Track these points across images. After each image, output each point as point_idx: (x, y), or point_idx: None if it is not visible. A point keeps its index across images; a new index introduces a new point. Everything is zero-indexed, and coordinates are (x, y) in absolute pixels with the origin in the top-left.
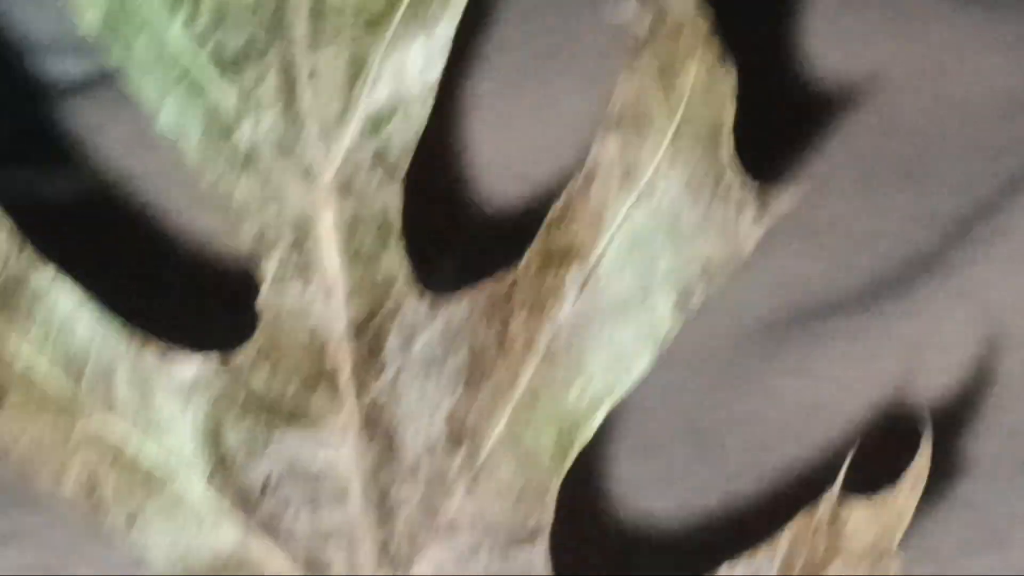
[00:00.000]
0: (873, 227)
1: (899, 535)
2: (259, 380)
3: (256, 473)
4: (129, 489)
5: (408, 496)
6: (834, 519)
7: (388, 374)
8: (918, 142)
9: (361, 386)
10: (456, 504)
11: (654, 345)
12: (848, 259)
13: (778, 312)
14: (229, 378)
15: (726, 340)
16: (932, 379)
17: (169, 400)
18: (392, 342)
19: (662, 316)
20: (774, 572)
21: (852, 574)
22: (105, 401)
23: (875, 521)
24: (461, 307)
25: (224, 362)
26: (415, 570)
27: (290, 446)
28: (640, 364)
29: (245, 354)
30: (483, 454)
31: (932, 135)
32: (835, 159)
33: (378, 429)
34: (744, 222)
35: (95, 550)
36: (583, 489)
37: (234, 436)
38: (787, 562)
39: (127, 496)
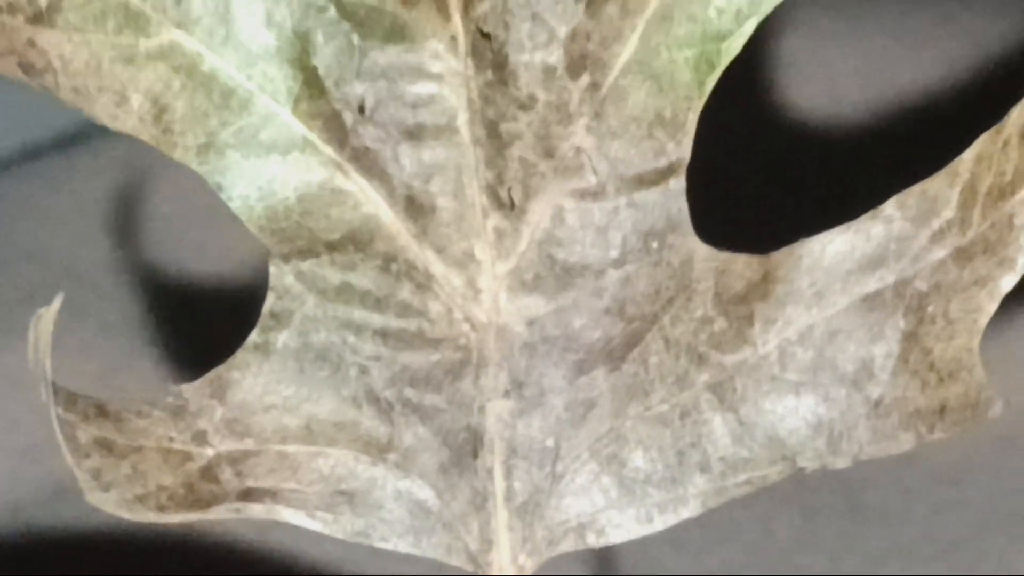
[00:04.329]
0: None
1: None
2: None
3: (349, 97)
4: (203, 113)
5: (522, 130)
6: None
7: None
8: None
9: (468, 4)
10: (577, 139)
11: None
12: None
13: None
14: None
15: None
16: None
17: (249, 11)
18: None
19: None
20: (954, 201)
21: None
22: (175, 13)
23: None
24: None
25: None
26: (530, 215)
27: (388, 68)
28: None
29: None
30: (608, 82)
31: None
32: None
33: (487, 54)
34: None
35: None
36: (726, 120)
37: (324, 54)
38: (970, 187)
39: (200, 121)
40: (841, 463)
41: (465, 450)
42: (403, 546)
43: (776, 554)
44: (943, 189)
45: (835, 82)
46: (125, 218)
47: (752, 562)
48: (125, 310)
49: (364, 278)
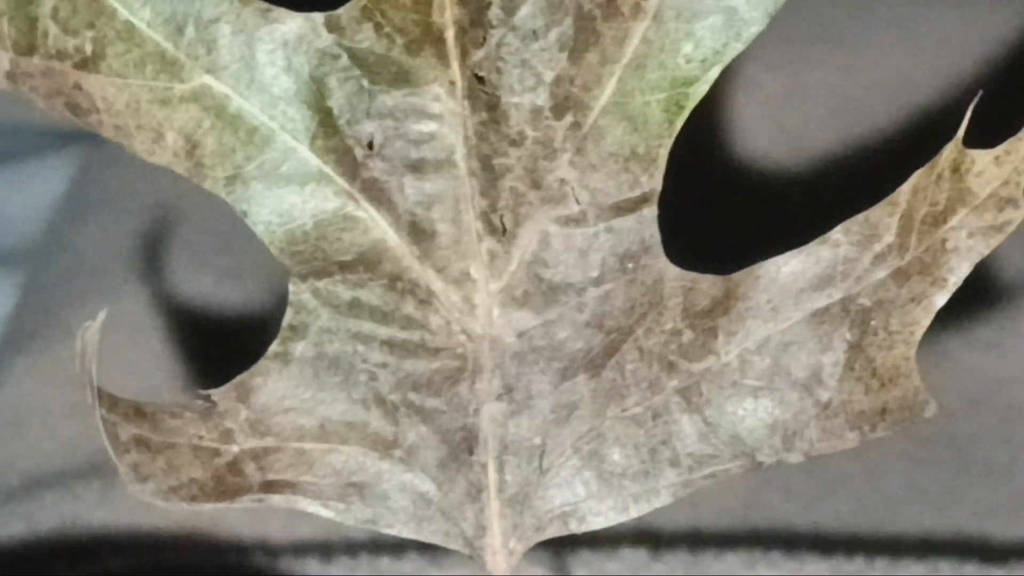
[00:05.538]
0: None
1: None
2: (363, 40)
3: (360, 135)
4: (230, 148)
5: (512, 164)
6: (956, 168)
7: (491, 41)
8: None
9: (465, 52)
10: (561, 172)
11: (766, 11)
12: None
13: None
14: (333, 37)
15: None
16: None
17: (272, 59)
18: (495, 9)
19: None
20: (893, 227)
21: (976, 224)
22: (206, 61)
23: (1000, 166)
24: None
25: (328, 21)
26: (520, 239)
27: (394, 109)
28: (751, 29)
29: (349, 13)
30: (589, 121)
31: None
32: None
33: (482, 96)
34: None
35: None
36: (696, 154)
37: (337, 96)
38: (907, 216)
39: (228, 156)
40: (794, 458)
41: (462, 447)
42: (406, 532)
43: (884, 505)
44: (883, 217)
45: (790, 123)
46: (159, 239)
47: (861, 512)
48: (160, 323)
49: (372, 295)
